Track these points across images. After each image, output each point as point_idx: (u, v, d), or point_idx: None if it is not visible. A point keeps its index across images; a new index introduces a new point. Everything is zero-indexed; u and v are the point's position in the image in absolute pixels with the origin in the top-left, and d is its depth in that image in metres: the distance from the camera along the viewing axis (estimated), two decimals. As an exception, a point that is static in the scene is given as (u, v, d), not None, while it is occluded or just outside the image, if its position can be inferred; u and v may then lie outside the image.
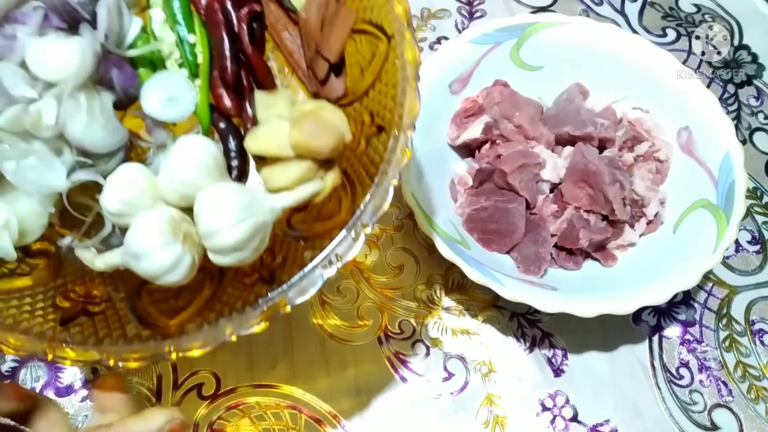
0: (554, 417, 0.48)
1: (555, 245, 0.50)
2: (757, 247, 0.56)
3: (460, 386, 0.48)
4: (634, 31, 0.66)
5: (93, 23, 0.33)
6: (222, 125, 0.36)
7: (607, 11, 0.68)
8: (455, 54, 0.54)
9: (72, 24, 0.33)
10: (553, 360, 0.50)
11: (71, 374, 0.47)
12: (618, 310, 0.45)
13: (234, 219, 0.31)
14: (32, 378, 0.47)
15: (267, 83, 0.37)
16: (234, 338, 0.30)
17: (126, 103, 0.35)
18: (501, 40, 0.55)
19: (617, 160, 0.51)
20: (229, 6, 0.36)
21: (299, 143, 0.32)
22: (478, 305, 0.51)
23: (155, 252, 0.31)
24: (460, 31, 0.64)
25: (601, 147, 0.53)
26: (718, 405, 0.49)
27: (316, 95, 0.37)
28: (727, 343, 0.52)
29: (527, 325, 0.51)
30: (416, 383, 0.48)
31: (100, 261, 0.34)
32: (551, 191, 0.52)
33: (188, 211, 0.33)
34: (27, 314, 0.32)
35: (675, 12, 0.68)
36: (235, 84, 0.36)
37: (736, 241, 0.56)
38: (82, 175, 0.32)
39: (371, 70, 0.35)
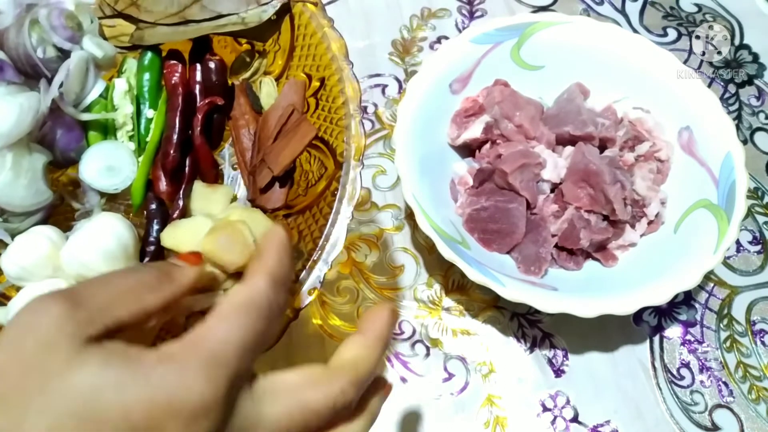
0: (555, 417, 0.48)
1: (555, 245, 0.50)
2: (758, 248, 0.56)
3: (460, 387, 0.48)
4: (635, 31, 0.66)
5: (53, 80, 0.33)
6: (152, 207, 0.36)
7: (607, 11, 0.68)
8: (455, 53, 0.54)
9: (33, 77, 0.33)
10: (553, 360, 0.50)
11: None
12: (619, 310, 0.45)
13: None
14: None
15: (209, 176, 0.37)
16: None
17: (64, 163, 0.35)
18: (501, 40, 0.55)
19: (618, 159, 0.51)
20: (196, 91, 0.36)
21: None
22: (478, 305, 0.51)
23: None
24: (460, 31, 0.64)
25: (602, 147, 0.53)
26: (719, 405, 0.49)
27: (252, 201, 0.37)
28: (728, 344, 0.52)
29: (528, 325, 0.51)
30: (416, 384, 0.48)
31: (2, 315, 0.33)
32: (552, 191, 0.52)
33: None
34: None
35: (676, 12, 0.68)
36: (173, 171, 0.36)
37: (737, 242, 0.56)
38: None
39: (314, 190, 0.35)
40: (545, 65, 0.56)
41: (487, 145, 0.53)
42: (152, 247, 0.35)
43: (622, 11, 0.68)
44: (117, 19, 0.37)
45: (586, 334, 0.50)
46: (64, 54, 0.34)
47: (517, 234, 0.49)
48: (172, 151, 0.35)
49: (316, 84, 0.36)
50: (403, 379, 0.48)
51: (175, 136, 0.36)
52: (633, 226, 0.51)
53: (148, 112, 0.36)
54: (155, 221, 0.36)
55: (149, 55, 0.37)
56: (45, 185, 0.34)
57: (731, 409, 0.49)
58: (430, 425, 0.47)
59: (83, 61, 0.34)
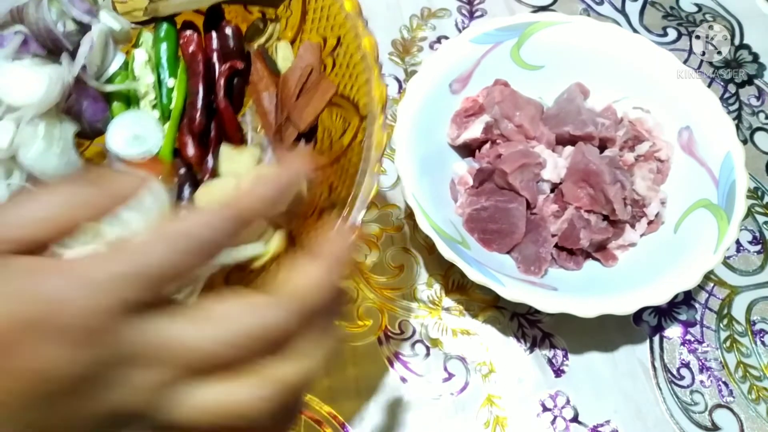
0: (555, 417, 0.48)
1: (555, 245, 0.50)
2: (758, 247, 0.56)
3: (460, 387, 0.48)
4: (635, 31, 0.66)
5: (75, 53, 0.34)
6: (182, 171, 0.37)
7: (607, 11, 0.68)
8: (455, 53, 0.54)
9: (55, 51, 0.33)
10: (553, 360, 0.50)
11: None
12: (619, 310, 0.45)
13: None
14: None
15: (235, 138, 0.38)
16: None
17: (91, 134, 0.35)
18: (501, 40, 0.55)
19: (618, 159, 0.51)
20: (214, 58, 0.37)
21: None
22: (478, 305, 0.51)
23: None
24: (460, 31, 0.64)
25: (602, 147, 0.53)
26: (719, 405, 0.49)
27: (280, 160, 0.37)
28: (728, 344, 0.52)
29: (528, 325, 0.51)
30: (416, 384, 0.48)
31: None
32: (552, 191, 0.52)
33: None
34: None
35: (676, 11, 0.68)
36: (201, 135, 0.37)
37: (737, 241, 0.56)
38: None
39: (339, 144, 0.35)
40: (545, 65, 0.56)
41: (487, 145, 0.53)
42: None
43: (622, 11, 0.68)
44: None
45: (586, 334, 0.50)
46: (83, 28, 0.34)
47: (517, 234, 0.49)
48: (198, 116, 0.36)
49: (332, 43, 0.36)
50: (403, 379, 0.48)
51: (199, 102, 0.36)
52: (633, 226, 0.51)
53: (168, 82, 0.37)
54: (186, 185, 0.36)
55: (165, 26, 0.37)
56: (76, 155, 0.34)
57: (731, 409, 0.49)
58: (430, 425, 0.47)
59: (104, 34, 0.35)
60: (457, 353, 0.50)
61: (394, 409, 0.47)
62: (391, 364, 0.49)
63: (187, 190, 0.36)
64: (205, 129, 0.37)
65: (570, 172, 0.50)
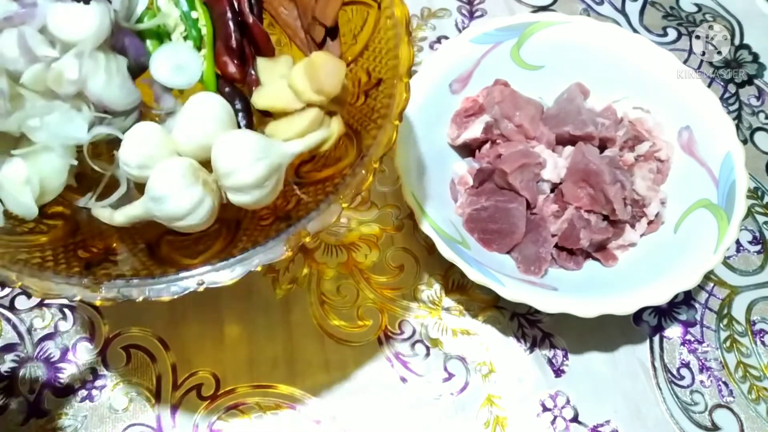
0: (555, 417, 0.48)
1: (555, 245, 0.50)
2: (758, 247, 0.56)
3: (460, 387, 0.48)
4: (635, 31, 0.66)
5: None
6: (227, 89, 0.39)
7: (607, 11, 0.68)
8: (455, 53, 0.54)
9: None
10: (553, 360, 0.50)
11: (70, 375, 0.47)
12: (619, 310, 0.45)
13: (252, 158, 0.33)
14: (31, 378, 0.47)
15: (267, 50, 0.40)
16: (260, 268, 0.31)
17: (136, 71, 0.36)
18: (501, 40, 0.55)
19: (618, 159, 0.51)
20: None
21: (312, 80, 0.35)
22: (478, 305, 0.51)
23: (177, 194, 0.32)
24: (460, 31, 0.64)
25: (602, 147, 0.53)
26: (719, 405, 0.49)
27: None
28: (728, 344, 0.52)
29: (528, 325, 0.51)
30: (416, 384, 0.48)
31: (119, 215, 0.35)
32: (552, 191, 0.52)
33: (204, 165, 0.34)
34: (51, 263, 0.33)
35: (676, 11, 0.68)
36: (239, 52, 0.38)
37: (737, 241, 0.56)
38: (103, 129, 0.33)
39: (363, 35, 0.38)
40: (545, 65, 0.56)
41: (487, 145, 0.53)
42: (243, 121, 0.38)
43: (622, 11, 0.68)
44: None
45: (586, 334, 0.50)
46: None
47: (517, 234, 0.49)
48: (233, 34, 0.38)
49: None
50: (403, 379, 0.48)
51: (230, 22, 0.38)
52: (633, 226, 0.51)
53: (192, 14, 0.38)
54: (236, 99, 0.38)
55: None
56: (133, 85, 0.35)
57: (731, 409, 0.49)
58: (430, 425, 0.47)
59: None
60: (457, 353, 0.50)
61: (394, 409, 0.47)
62: (391, 364, 0.49)
63: (239, 104, 0.38)
64: (241, 46, 0.39)
65: (570, 172, 0.50)
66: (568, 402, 0.48)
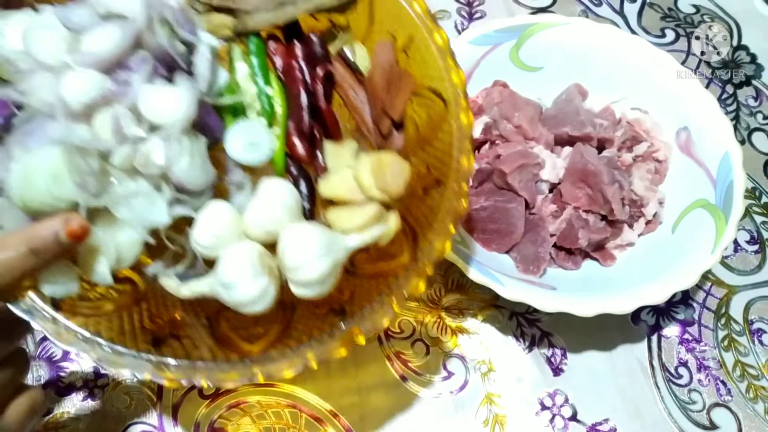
0: (553, 416, 0.48)
1: (554, 245, 0.50)
2: (755, 247, 0.56)
3: (459, 385, 0.49)
4: (633, 32, 0.66)
5: (189, 72, 0.36)
6: (294, 171, 0.40)
7: (606, 12, 0.68)
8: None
9: (169, 72, 0.35)
10: (552, 359, 0.50)
11: (72, 374, 0.47)
12: (617, 309, 0.45)
13: (317, 255, 0.34)
14: (34, 377, 0.47)
15: (336, 135, 0.41)
16: (315, 365, 0.33)
17: (211, 144, 0.37)
18: (500, 41, 0.55)
19: (616, 160, 0.51)
20: (303, 65, 0.40)
21: (378, 181, 0.37)
22: (477, 305, 0.52)
23: (246, 283, 0.33)
24: (459, 32, 0.64)
25: (600, 147, 0.53)
26: (717, 404, 0.49)
27: (379, 148, 0.41)
28: (725, 343, 0.52)
29: (526, 324, 0.51)
30: (416, 382, 0.49)
31: (185, 289, 0.36)
32: (550, 191, 0.52)
33: (268, 246, 0.36)
34: (119, 336, 0.34)
35: (674, 13, 0.69)
36: (309, 134, 0.40)
37: (735, 241, 0.56)
38: (180, 211, 0.35)
39: (426, 128, 0.40)
40: (544, 66, 0.56)
41: (486, 146, 0.54)
42: (306, 204, 0.39)
43: (621, 12, 0.68)
44: (213, 13, 0.41)
45: (584, 333, 0.50)
46: (189, 48, 0.36)
47: (515, 234, 0.50)
48: (306, 117, 0.39)
49: (403, 40, 0.40)
50: (403, 378, 0.49)
51: (304, 104, 0.39)
52: (631, 226, 0.51)
53: (267, 90, 0.39)
54: (302, 180, 0.39)
55: (254, 39, 0.40)
56: (210, 165, 0.36)
57: (729, 408, 0.49)
58: (430, 424, 0.47)
59: (211, 51, 0.37)
60: (457, 352, 0.50)
61: (394, 407, 0.48)
62: (391, 363, 0.49)
63: (304, 186, 0.39)
64: (312, 129, 0.40)
65: (568, 172, 0.51)
66: (566, 400, 0.49)
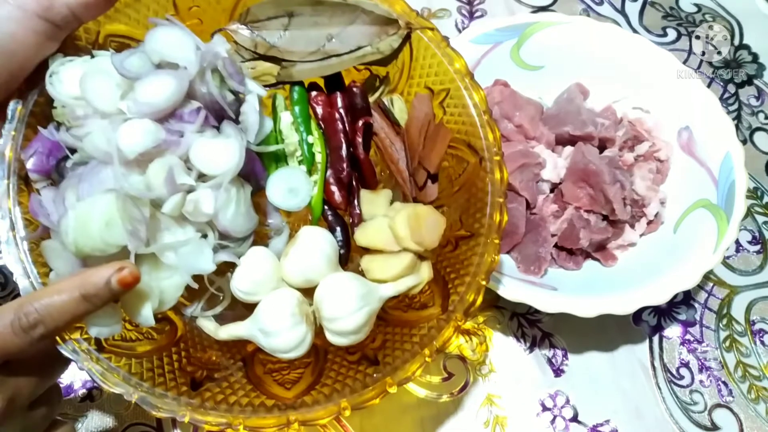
0: (554, 417, 0.48)
1: (555, 245, 0.50)
2: (757, 247, 0.56)
3: (460, 386, 0.48)
4: (635, 31, 0.66)
5: (235, 121, 0.37)
6: (331, 217, 0.41)
7: (607, 11, 0.68)
8: (455, 54, 0.54)
9: (218, 120, 0.36)
10: (553, 360, 0.50)
11: (71, 374, 0.47)
12: (618, 310, 0.45)
13: (354, 306, 0.35)
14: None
15: (372, 183, 0.42)
16: (348, 412, 0.34)
17: (254, 192, 0.38)
18: (501, 40, 0.55)
19: (617, 159, 0.51)
20: (344, 115, 0.41)
21: (414, 234, 0.37)
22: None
23: (286, 331, 0.35)
24: (460, 31, 0.64)
25: (602, 147, 0.53)
26: (719, 405, 0.49)
27: (414, 198, 0.42)
28: (727, 343, 0.52)
29: (527, 325, 0.51)
30: (416, 383, 0.48)
31: (223, 332, 0.37)
32: (551, 191, 0.52)
33: (304, 291, 0.37)
34: (160, 378, 0.35)
35: (675, 12, 0.68)
36: (347, 183, 0.41)
37: (737, 241, 0.56)
38: (224, 257, 0.35)
39: (460, 181, 0.41)
40: (545, 65, 0.56)
41: (487, 145, 0.53)
42: (342, 250, 0.40)
43: (622, 11, 0.68)
44: (257, 61, 0.42)
45: (585, 333, 0.50)
46: (236, 96, 0.37)
47: (516, 234, 0.49)
48: (345, 167, 0.40)
49: (441, 94, 0.42)
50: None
51: (344, 154, 0.41)
52: (632, 226, 0.51)
53: (308, 139, 0.41)
54: (338, 227, 0.40)
55: (297, 89, 0.41)
56: (254, 212, 0.37)
57: (731, 409, 0.49)
58: (430, 425, 0.47)
59: (258, 101, 0.38)
60: (457, 353, 0.50)
61: (394, 408, 0.47)
62: (391, 364, 0.49)
63: (339, 233, 0.40)
64: (351, 178, 0.41)
65: (570, 172, 0.50)
66: (567, 401, 0.48)
